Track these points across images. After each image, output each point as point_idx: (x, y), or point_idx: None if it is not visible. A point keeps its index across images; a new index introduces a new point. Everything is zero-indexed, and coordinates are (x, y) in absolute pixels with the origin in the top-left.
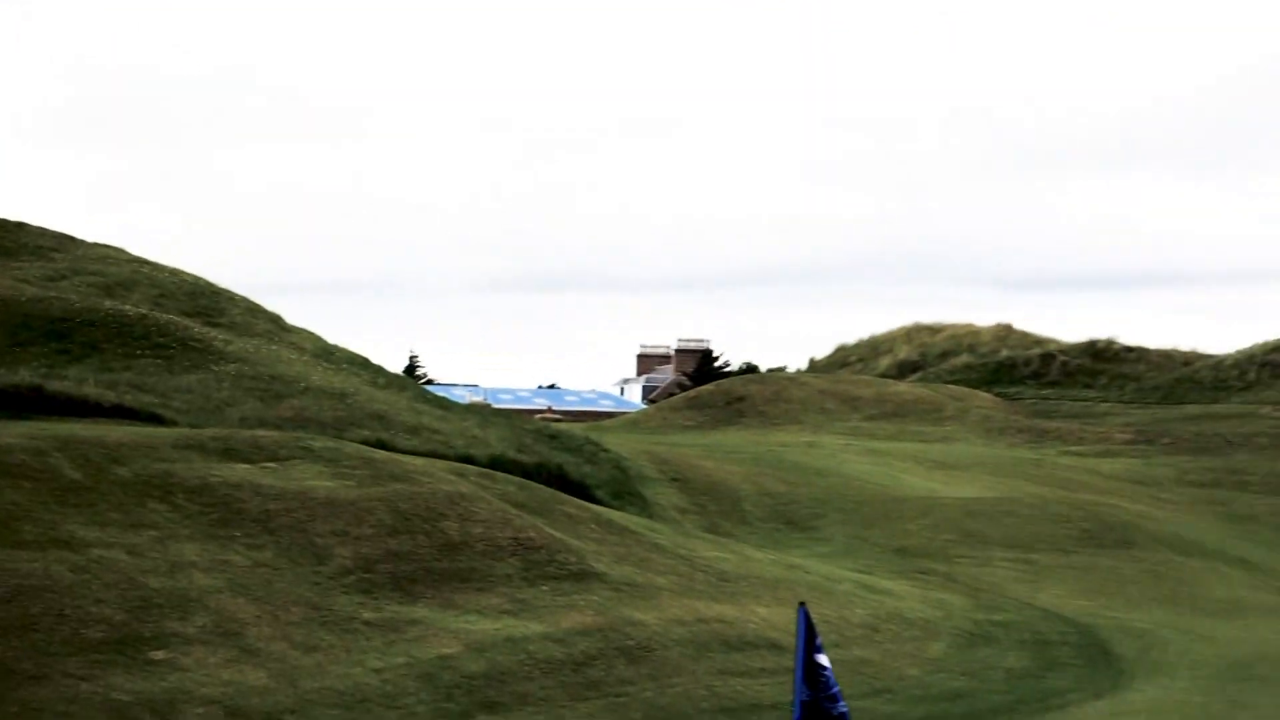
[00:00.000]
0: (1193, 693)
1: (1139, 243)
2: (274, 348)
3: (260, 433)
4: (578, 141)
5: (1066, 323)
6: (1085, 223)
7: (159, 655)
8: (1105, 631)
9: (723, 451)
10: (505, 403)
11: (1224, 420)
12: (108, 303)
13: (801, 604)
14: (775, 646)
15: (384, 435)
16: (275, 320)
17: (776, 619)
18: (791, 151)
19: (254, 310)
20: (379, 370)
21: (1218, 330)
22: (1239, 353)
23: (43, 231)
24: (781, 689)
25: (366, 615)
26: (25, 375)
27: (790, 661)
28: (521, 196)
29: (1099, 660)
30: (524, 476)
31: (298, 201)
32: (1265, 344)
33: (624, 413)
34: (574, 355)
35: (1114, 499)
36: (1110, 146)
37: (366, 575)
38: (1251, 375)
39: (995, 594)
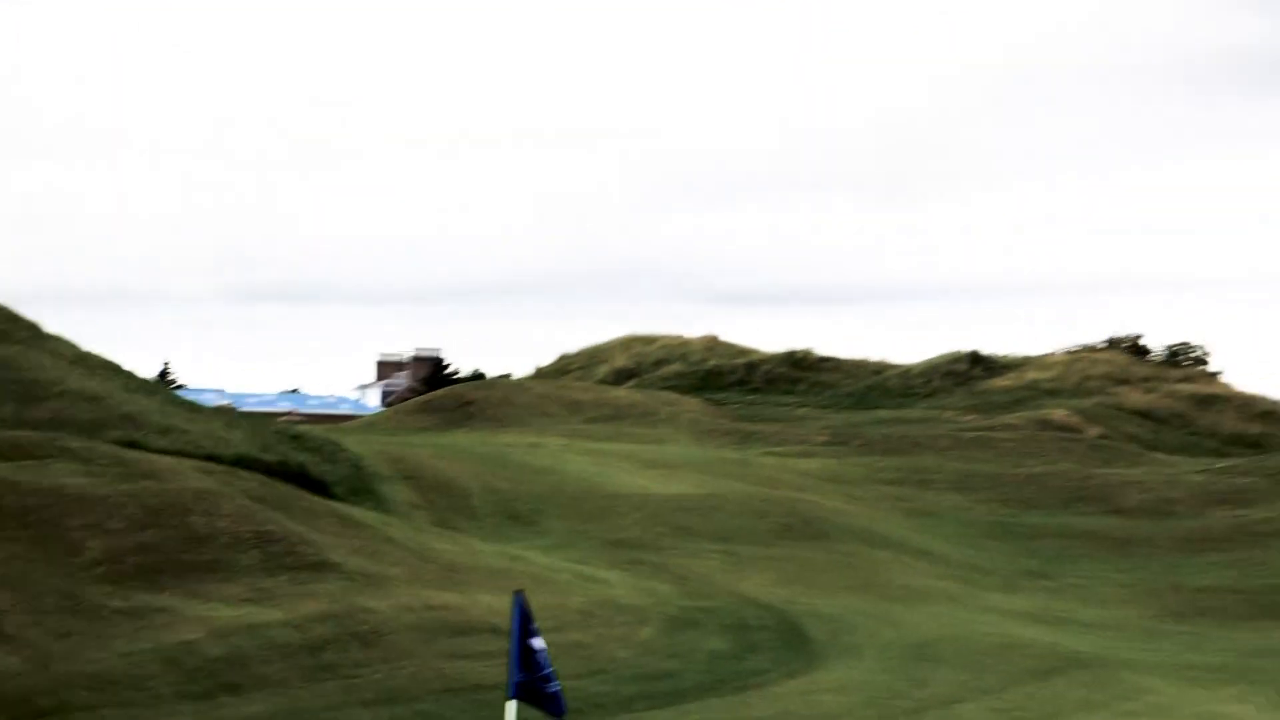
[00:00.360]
0: (878, 672)
1: (832, 261)
2: (31, 353)
3: (18, 433)
4: (315, 160)
5: (768, 335)
6: (779, 243)
7: None
8: (800, 617)
9: (453, 452)
10: (251, 406)
11: (910, 424)
12: None
13: (517, 592)
14: (498, 631)
15: (136, 436)
16: (32, 328)
17: (500, 606)
18: (513, 176)
19: (12, 318)
20: (131, 375)
21: (906, 342)
22: (924, 363)
23: None
24: (502, 671)
25: (115, 604)
26: None
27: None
28: (266, 212)
29: (794, 643)
30: (266, 474)
31: (54, 213)
32: (947, 355)
33: (362, 416)
34: (316, 363)
35: (811, 495)
36: (794, 175)
37: (116, 566)
38: (935, 383)
39: (701, 582)
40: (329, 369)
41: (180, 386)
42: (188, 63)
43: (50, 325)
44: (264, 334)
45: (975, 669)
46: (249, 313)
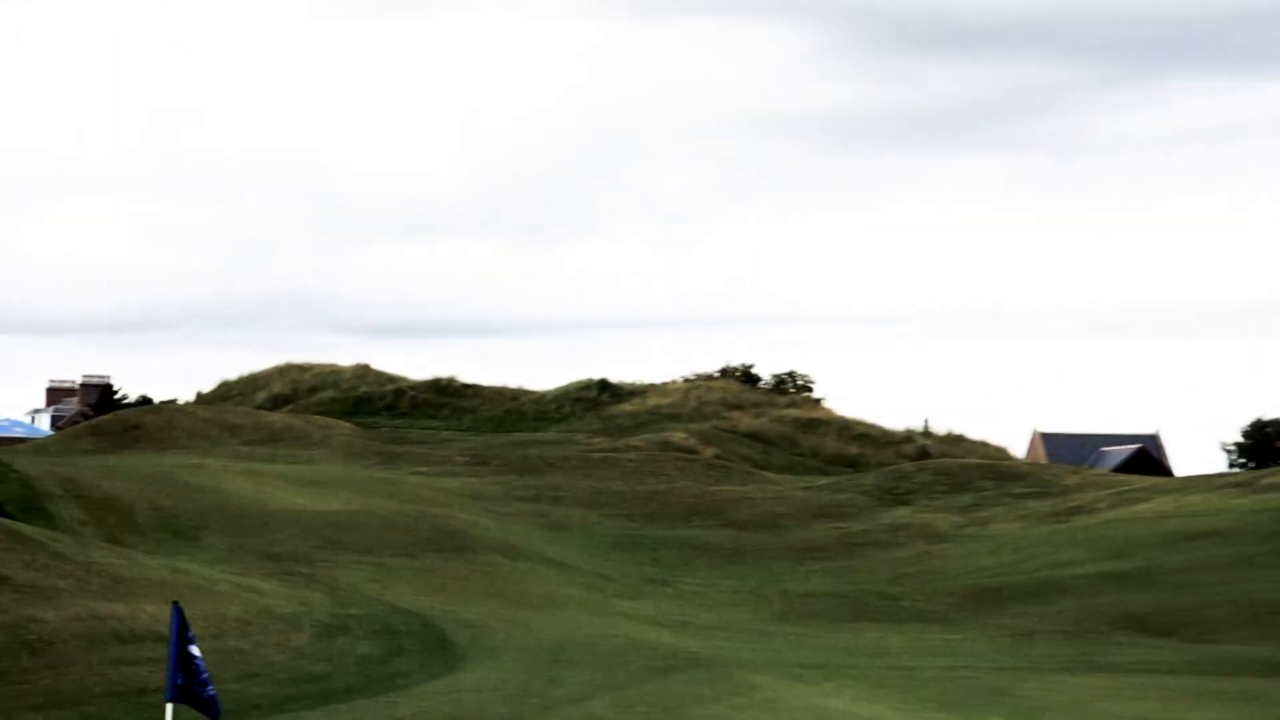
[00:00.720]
0: (514, 672)
1: (475, 296)
2: None
3: None
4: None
5: (415, 364)
6: (426, 279)
7: None
8: (443, 623)
9: (120, 472)
10: None
11: (544, 446)
12: None
13: (175, 602)
14: (161, 639)
15: None
16: None
17: (163, 615)
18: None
19: None
20: None
21: (541, 372)
22: (557, 390)
23: None
24: (164, 675)
25: None
26: None
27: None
28: None
29: (437, 647)
30: None
31: None
32: (578, 383)
33: (33, 439)
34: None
35: (453, 511)
36: (436, 218)
37: None
38: (567, 409)
39: (351, 592)
40: (3, 394)
41: None
42: None
43: None
44: None
45: (603, 668)
46: None
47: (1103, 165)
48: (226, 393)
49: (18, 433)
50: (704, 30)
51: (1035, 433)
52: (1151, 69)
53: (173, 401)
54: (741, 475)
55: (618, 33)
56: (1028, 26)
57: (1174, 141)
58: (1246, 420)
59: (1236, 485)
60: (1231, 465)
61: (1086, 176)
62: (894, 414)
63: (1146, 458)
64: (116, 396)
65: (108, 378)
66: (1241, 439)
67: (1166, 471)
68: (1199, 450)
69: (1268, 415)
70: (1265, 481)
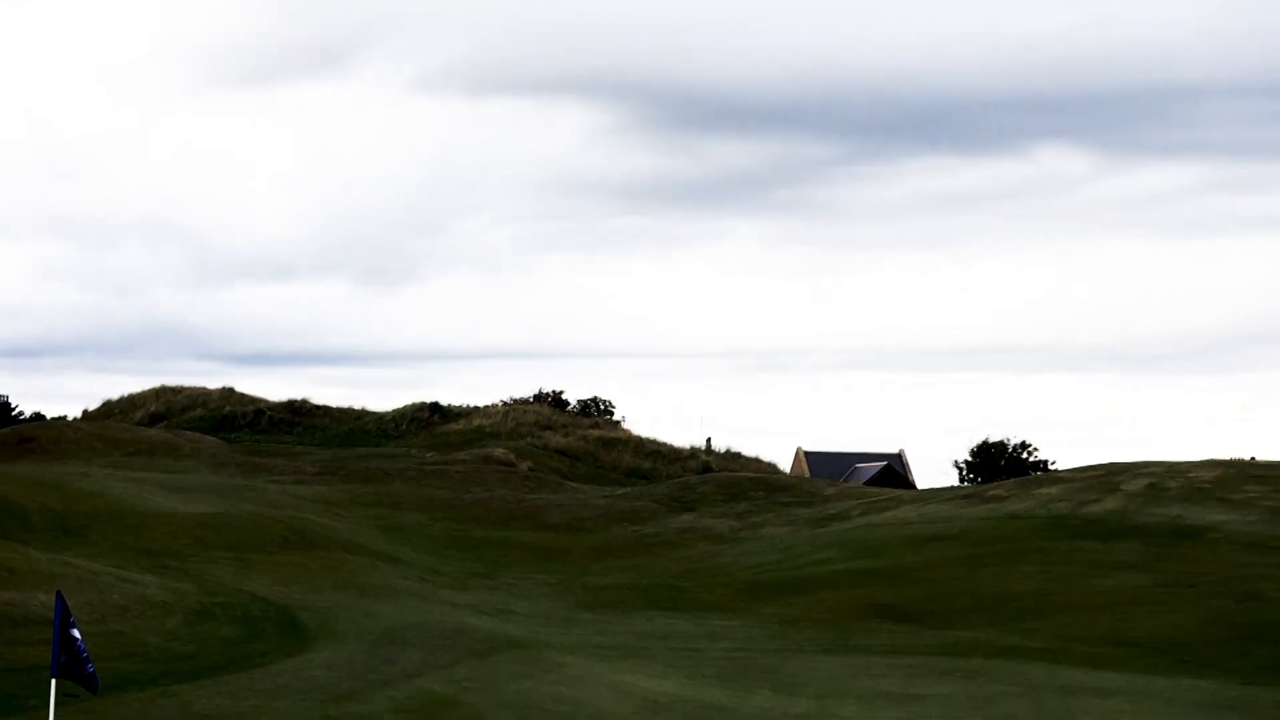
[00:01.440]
0: (358, 652)
1: (326, 330)
2: None
3: None
4: None
5: (273, 387)
6: (284, 314)
7: None
8: (296, 610)
9: (14, 479)
10: None
11: (384, 458)
12: None
13: (58, 591)
14: (49, 623)
15: None
16: None
17: (51, 603)
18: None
19: None
20: None
21: (381, 396)
22: (395, 411)
23: None
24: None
25: None
26: None
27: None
28: None
29: (291, 630)
30: None
31: None
32: (413, 404)
33: None
34: None
35: (306, 514)
36: (293, 260)
37: None
38: (404, 427)
39: (216, 583)
40: None
41: None
42: None
43: None
44: None
45: (433, 649)
46: None
47: (849, 227)
48: (109, 411)
49: None
50: (521, 106)
51: (799, 450)
52: (890, 148)
53: (62, 418)
54: (552, 485)
55: (451, 108)
56: (790, 110)
57: (908, 208)
58: (975, 442)
59: (966, 497)
60: (962, 480)
61: (837, 236)
62: (681, 434)
63: (892, 473)
64: (13, 413)
65: (5, 397)
66: (970, 458)
67: (909, 484)
68: (936, 467)
69: (993, 438)
70: (990, 494)
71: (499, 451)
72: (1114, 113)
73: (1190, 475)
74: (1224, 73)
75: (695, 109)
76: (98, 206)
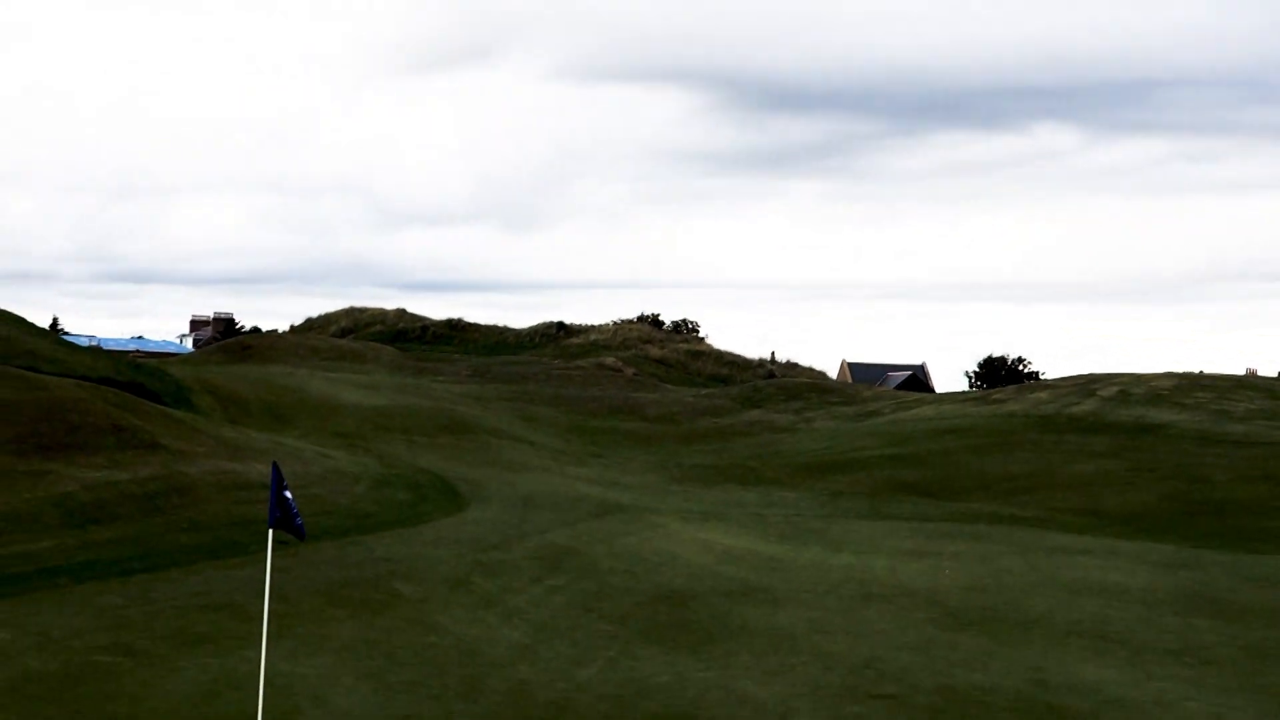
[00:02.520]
0: (501, 512)
1: (477, 264)
2: None
3: None
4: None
5: (437, 309)
6: (440, 252)
7: None
8: (452, 480)
9: (238, 377)
10: (111, 346)
11: (521, 365)
12: None
13: (274, 462)
14: (266, 486)
15: (34, 363)
16: None
17: (267, 471)
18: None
19: None
20: (31, 325)
21: (520, 316)
22: (530, 328)
23: None
24: (267, 510)
25: (21, 469)
26: None
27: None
28: (118, 220)
29: (449, 495)
30: (121, 388)
31: None
32: (544, 323)
33: (181, 354)
34: (156, 321)
35: (460, 407)
36: (453, 211)
37: (21, 445)
38: (536, 340)
39: (392, 459)
40: (162, 323)
41: (65, 333)
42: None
43: None
44: (122, 301)
45: (559, 511)
46: (111, 288)
47: (887, 188)
48: (309, 325)
49: (171, 349)
50: (629, 91)
51: (843, 361)
52: (919, 125)
53: (274, 330)
54: (651, 386)
55: (574, 93)
56: (840, 95)
57: (932, 173)
58: (981, 357)
59: (974, 400)
60: (971, 386)
61: (877, 195)
62: (751, 348)
63: (916, 380)
64: (236, 327)
65: (230, 314)
66: (978, 369)
67: (930, 389)
68: (951, 376)
69: (995, 354)
70: (993, 397)
71: (609, 360)
72: (1098, 98)
73: (1151, 384)
74: (1189, 66)
75: (766, 94)
76: (301, 168)
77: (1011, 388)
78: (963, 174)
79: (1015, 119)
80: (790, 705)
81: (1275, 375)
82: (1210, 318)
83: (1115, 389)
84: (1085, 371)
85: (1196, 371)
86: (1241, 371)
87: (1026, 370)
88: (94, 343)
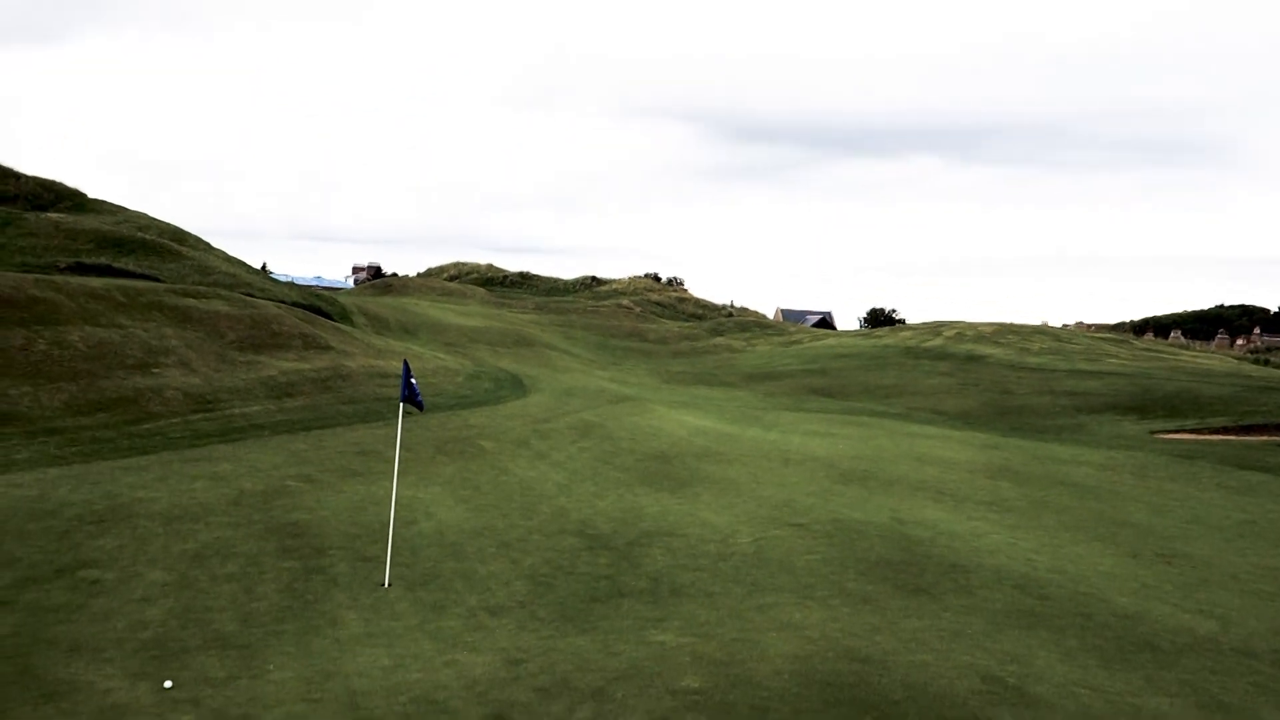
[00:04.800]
0: (550, 398)
1: (535, 237)
2: (204, 255)
3: (199, 287)
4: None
5: (509, 264)
6: (516, 228)
7: (156, 370)
8: (522, 376)
9: (382, 305)
10: (300, 282)
11: (567, 303)
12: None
13: (404, 359)
14: (397, 375)
15: (250, 291)
16: (203, 243)
17: (398, 365)
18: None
19: (188, 237)
20: (248, 265)
21: (566, 269)
22: (573, 279)
23: None
24: (399, 390)
25: (241, 359)
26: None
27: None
28: (314, 183)
29: (518, 386)
30: (306, 309)
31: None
32: (582, 277)
33: (345, 288)
34: (331, 267)
35: (529, 330)
36: (571, 195)
37: (240, 342)
38: (578, 287)
39: (481, 361)
40: (333, 268)
41: (270, 272)
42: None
43: (213, 243)
44: (308, 253)
45: (588, 398)
46: (301, 244)
47: (814, 194)
48: (429, 272)
49: (339, 285)
50: (650, 125)
51: (778, 309)
52: (828, 156)
53: (407, 275)
54: (651, 319)
55: (612, 125)
56: (786, 130)
57: (841, 187)
58: (868, 308)
59: (864, 335)
60: (860, 326)
61: (807, 199)
62: (718, 295)
63: (825, 322)
64: (382, 272)
65: (379, 264)
66: (866, 315)
67: (834, 328)
68: (848, 319)
69: (877, 305)
70: (875, 334)
71: (625, 302)
72: (954, 138)
73: (979, 328)
74: (1025, 115)
75: (737, 129)
76: (432, 169)
77: (886, 328)
78: (861, 188)
79: (897, 150)
80: (735, 528)
81: (1059, 325)
82: (1020, 285)
83: (955, 332)
84: (935, 319)
85: (1008, 322)
86: (1038, 322)
87: (897, 318)
88: (289, 279)
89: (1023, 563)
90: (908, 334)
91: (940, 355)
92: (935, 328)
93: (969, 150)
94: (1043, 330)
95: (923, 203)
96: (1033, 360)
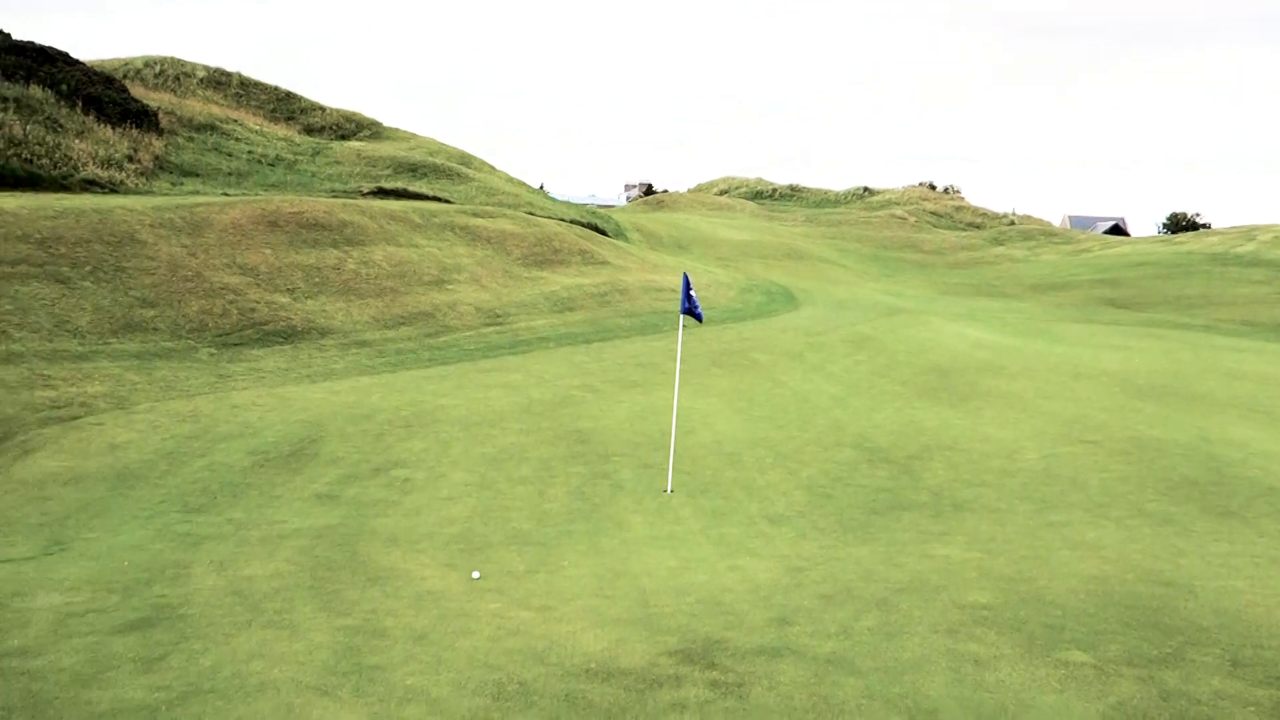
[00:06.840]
0: (823, 310)
1: (805, 150)
2: (489, 176)
3: (486, 208)
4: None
5: (778, 176)
6: (748, 146)
7: (451, 286)
8: (793, 289)
9: (655, 221)
10: (578, 200)
11: (839, 214)
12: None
13: (685, 274)
14: (675, 290)
15: (531, 210)
16: (488, 166)
17: (676, 281)
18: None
19: (473, 161)
20: (529, 186)
21: (836, 180)
22: (844, 191)
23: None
24: (679, 303)
25: (524, 275)
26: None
27: (679, 296)
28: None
29: (789, 299)
30: (584, 227)
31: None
32: (854, 189)
33: (619, 206)
34: (604, 186)
35: (800, 243)
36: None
37: (524, 261)
38: (849, 198)
39: (752, 274)
40: (608, 187)
41: (548, 193)
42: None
43: (496, 164)
44: (584, 173)
45: (861, 310)
46: (577, 164)
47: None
48: (700, 188)
49: (613, 204)
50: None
51: (1065, 215)
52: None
53: (678, 191)
54: (927, 229)
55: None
56: (1074, 25)
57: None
58: (1169, 211)
59: (1163, 242)
60: (1160, 233)
61: (1104, 100)
62: (997, 204)
63: (1118, 229)
64: (654, 189)
65: (650, 181)
66: (1166, 221)
67: (1127, 234)
68: (1146, 225)
69: (1179, 210)
70: (1177, 240)
71: (899, 212)
72: None
73: None
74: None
75: (1018, 25)
76: (691, 81)
77: (1189, 234)
78: (1160, 77)
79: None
80: (1020, 444)
81: None
82: None
83: (1273, 235)
84: (1247, 224)
85: None
86: None
87: (1200, 222)
88: (567, 199)
89: None
90: (1215, 239)
91: (1253, 262)
92: (1248, 232)
93: None
94: None
95: (1230, 91)
96: None
